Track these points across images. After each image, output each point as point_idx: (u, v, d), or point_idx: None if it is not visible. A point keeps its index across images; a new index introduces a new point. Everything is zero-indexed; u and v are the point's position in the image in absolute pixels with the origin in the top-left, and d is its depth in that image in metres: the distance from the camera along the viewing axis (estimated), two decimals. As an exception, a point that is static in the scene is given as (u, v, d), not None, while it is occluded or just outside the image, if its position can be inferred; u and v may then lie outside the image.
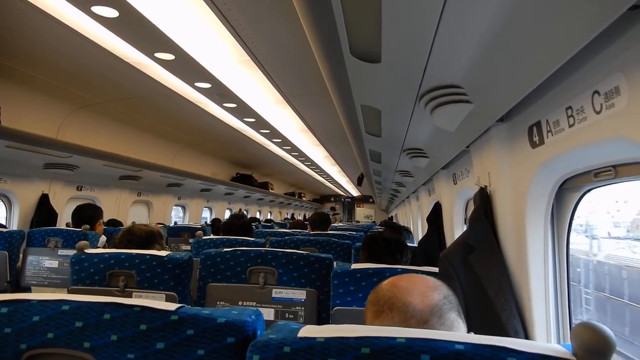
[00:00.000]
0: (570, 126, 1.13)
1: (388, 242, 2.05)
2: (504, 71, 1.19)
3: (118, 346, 0.79)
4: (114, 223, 4.50)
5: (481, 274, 1.51)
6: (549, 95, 1.23)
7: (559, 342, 0.66)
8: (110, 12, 2.10)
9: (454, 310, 0.80)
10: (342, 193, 18.20)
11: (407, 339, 0.62)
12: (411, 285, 0.82)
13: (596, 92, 0.97)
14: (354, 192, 17.50)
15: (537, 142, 1.34)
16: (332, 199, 19.57)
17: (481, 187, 1.76)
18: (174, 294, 1.68)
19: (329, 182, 13.18)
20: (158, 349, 0.78)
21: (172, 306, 0.82)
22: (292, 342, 0.66)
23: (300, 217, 16.05)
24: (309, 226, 4.00)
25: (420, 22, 1.01)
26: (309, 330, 0.68)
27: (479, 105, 1.46)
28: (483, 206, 1.67)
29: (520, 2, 0.86)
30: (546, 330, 1.39)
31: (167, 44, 2.49)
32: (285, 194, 12.64)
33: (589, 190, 1.37)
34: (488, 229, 1.61)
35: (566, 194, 1.44)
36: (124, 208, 5.48)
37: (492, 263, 1.53)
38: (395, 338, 0.63)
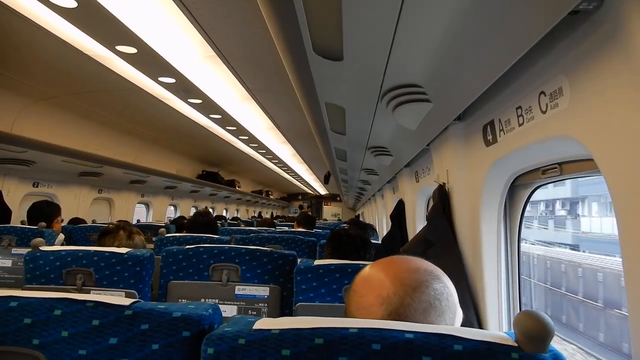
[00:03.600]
0: (520, 125, 1.18)
1: (352, 239, 2.07)
2: (460, 72, 1.23)
3: (69, 342, 0.77)
4: (76, 221, 4.35)
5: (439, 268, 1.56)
6: (501, 95, 1.29)
7: (508, 331, 0.70)
8: (68, 2, 2.02)
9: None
10: (309, 191, 18.21)
11: (359, 329, 0.64)
12: (367, 293, 0.74)
13: (542, 92, 1.03)
14: (322, 191, 17.54)
15: (491, 141, 1.40)
16: (300, 197, 19.55)
17: (440, 184, 1.81)
18: (134, 291, 1.64)
19: (297, 180, 13.16)
20: (111, 344, 0.77)
21: (126, 301, 0.81)
22: (247, 334, 0.66)
23: (268, 215, 15.96)
24: (295, 222, 4.41)
25: (379, 22, 1.04)
26: (264, 323, 0.69)
27: (437, 104, 1.50)
28: (441, 202, 1.73)
29: (471, 8, 0.90)
30: (498, 320, 1.46)
31: (129, 37, 2.42)
32: (252, 192, 12.53)
33: (538, 187, 1.44)
34: (446, 224, 1.66)
35: (517, 190, 1.50)
36: (84, 205, 5.30)
37: (449, 257, 1.58)
38: (347, 328, 0.64)
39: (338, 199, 18.19)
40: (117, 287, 1.65)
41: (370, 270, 0.79)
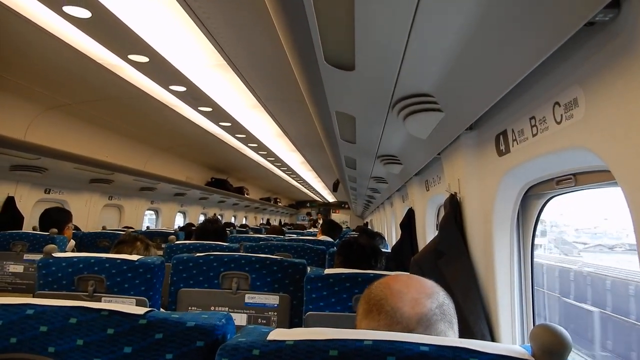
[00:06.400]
0: (533, 135, 1.18)
1: (363, 248, 2.06)
2: (473, 81, 1.23)
3: (84, 351, 0.77)
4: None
5: (449, 278, 1.55)
6: (514, 105, 1.28)
7: (522, 344, 0.69)
8: (83, 13, 2.06)
9: (444, 321, 0.76)
10: (318, 199, 18.19)
11: (374, 341, 0.63)
12: (405, 289, 0.79)
13: (557, 103, 1.02)
14: (330, 198, 17.51)
15: (504, 151, 1.39)
16: (308, 205, 19.55)
17: (451, 194, 1.80)
18: (144, 299, 1.65)
19: (305, 187, 13.17)
20: (125, 353, 0.77)
21: (140, 310, 0.81)
22: (261, 345, 0.66)
23: (276, 223, 15.94)
24: (319, 229, 4.36)
25: (391, 32, 1.04)
26: (278, 334, 0.69)
27: (449, 114, 1.50)
28: (453, 212, 1.72)
29: (486, 17, 0.90)
30: (511, 332, 1.44)
31: (141, 46, 2.46)
32: (260, 199, 12.54)
33: (552, 198, 1.43)
34: (457, 234, 1.65)
35: (531, 200, 1.49)
36: (95, 212, 5.34)
37: (460, 268, 1.56)
38: (362, 340, 0.64)
39: (346, 206, 18.16)
40: (128, 294, 1.66)
41: (396, 279, 0.84)
